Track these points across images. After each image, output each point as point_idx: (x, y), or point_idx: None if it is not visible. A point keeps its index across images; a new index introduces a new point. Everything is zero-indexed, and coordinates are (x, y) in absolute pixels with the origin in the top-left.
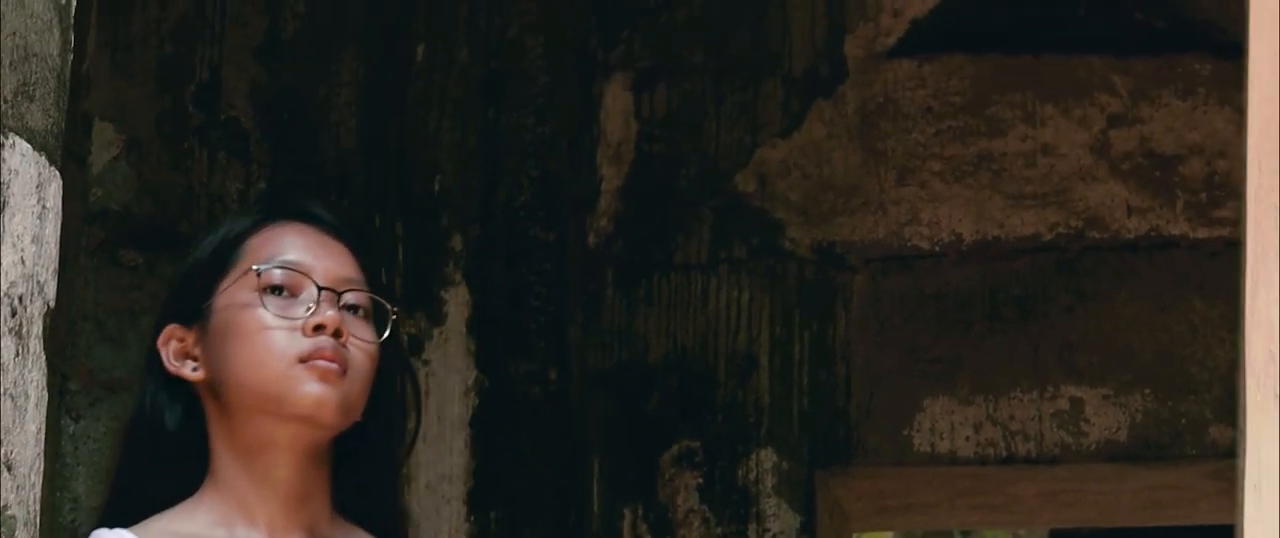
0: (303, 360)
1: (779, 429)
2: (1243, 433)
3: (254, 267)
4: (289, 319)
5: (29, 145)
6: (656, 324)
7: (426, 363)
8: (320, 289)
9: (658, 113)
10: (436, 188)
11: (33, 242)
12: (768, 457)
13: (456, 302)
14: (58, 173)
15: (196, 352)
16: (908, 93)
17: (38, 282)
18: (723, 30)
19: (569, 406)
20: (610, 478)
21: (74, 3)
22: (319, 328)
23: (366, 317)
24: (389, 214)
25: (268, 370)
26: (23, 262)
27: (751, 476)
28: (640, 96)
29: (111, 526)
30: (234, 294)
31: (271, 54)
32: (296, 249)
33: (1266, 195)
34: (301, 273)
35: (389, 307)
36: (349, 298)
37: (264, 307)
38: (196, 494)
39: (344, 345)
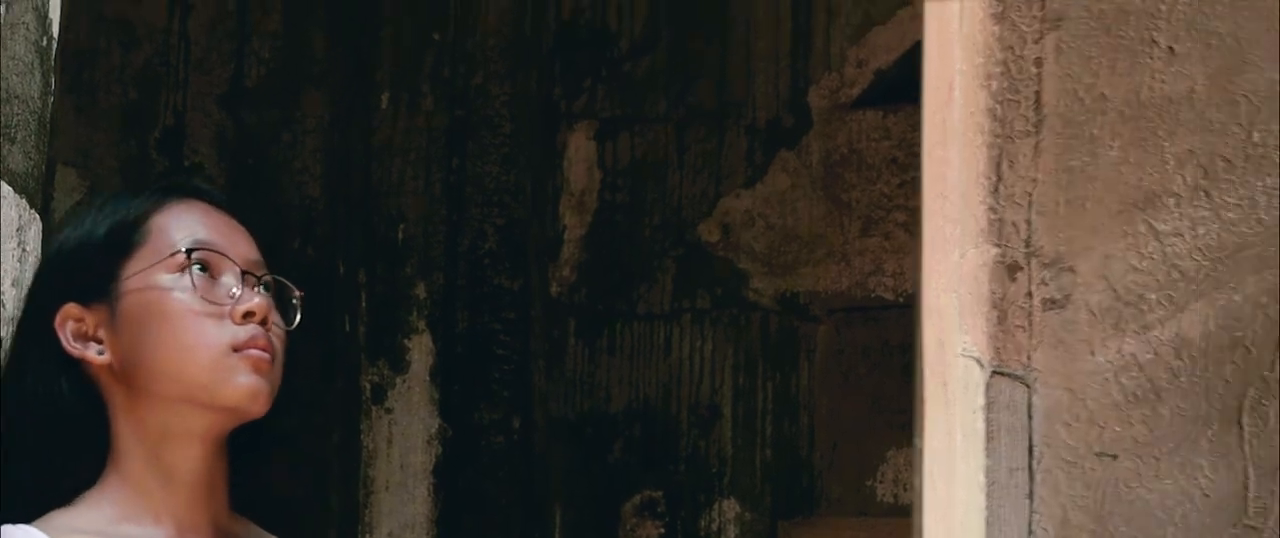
0: (236, 350)
1: (742, 479)
2: (919, 420)
3: (181, 247)
4: (214, 304)
5: (10, 188)
6: (619, 373)
7: (389, 411)
8: (242, 273)
9: (621, 162)
10: (400, 236)
11: (12, 285)
12: (731, 507)
13: (420, 350)
14: (37, 216)
15: (101, 334)
16: (872, 143)
17: None
18: (686, 80)
19: (532, 454)
20: (573, 527)
21: (55, 45)
22: (248, 315)
23: (276, 298)
24: (353, 261)
25: (199, 359)
26: (3, 304)
27: (714, 526)
28: (604, 146)
29: (12, 521)
30: (149, 276)
31: (236, 101)
32: (208, 229)
33: (936, 193)
34: (222, 254)
35: (296, 291)
36: (265, 280)
37: (188, 290)
38: (97, 487)
39: (268, 332)
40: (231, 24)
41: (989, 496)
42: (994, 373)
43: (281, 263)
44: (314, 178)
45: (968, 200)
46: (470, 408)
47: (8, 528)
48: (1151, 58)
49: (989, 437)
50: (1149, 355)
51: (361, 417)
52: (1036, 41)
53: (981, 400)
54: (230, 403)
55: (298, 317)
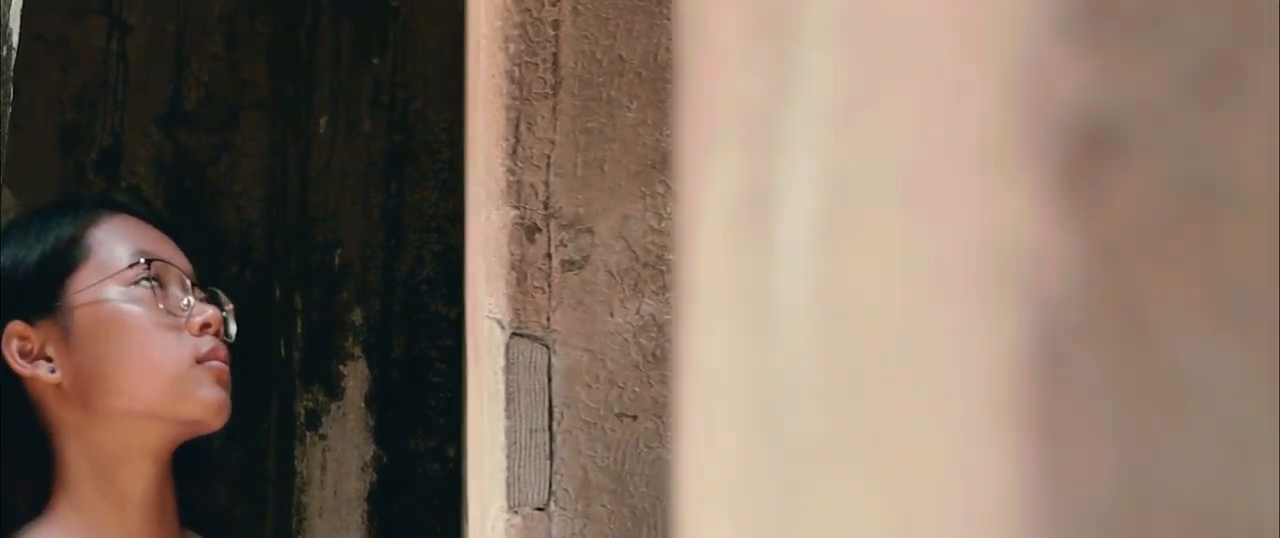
0: (199, 361)
1: None
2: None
3: (131, 260)
4: (171, 315)
5: None
6: None
7: (324, 437)
8: (191, 284)
9: None
10: (337, 261)
11: None
12: None
13: (355, 376)
14: None
15: (50, 352)
16: None
17: None
18: None
19: (466, 482)
20: None
21: (14, 58)
22: (205, 326)
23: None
24: (289, 286)
25: (162, 374)
26: None
27: None
28: None
29: None
30: (99, 290)
31: (175, 122)
32: (149, 242)
33: (470, 157)
34: (170, 264)
35: (229, 303)
36: (208, 293)
37: (143, 303)
38: (44, 517)
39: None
40: (169, 45)
41: (509, 456)
42: (514, 334)
43: (218, 286)
44: (253, 201)
45: (490, 163)
46: (406, 436)
47: None
48: (668, 19)
49: (509, 398)
50: (667, 316)
51: (295, 442)
52: (553, 4)
53: (502, 362)
54: (195, 416)
55: (234, 328)
